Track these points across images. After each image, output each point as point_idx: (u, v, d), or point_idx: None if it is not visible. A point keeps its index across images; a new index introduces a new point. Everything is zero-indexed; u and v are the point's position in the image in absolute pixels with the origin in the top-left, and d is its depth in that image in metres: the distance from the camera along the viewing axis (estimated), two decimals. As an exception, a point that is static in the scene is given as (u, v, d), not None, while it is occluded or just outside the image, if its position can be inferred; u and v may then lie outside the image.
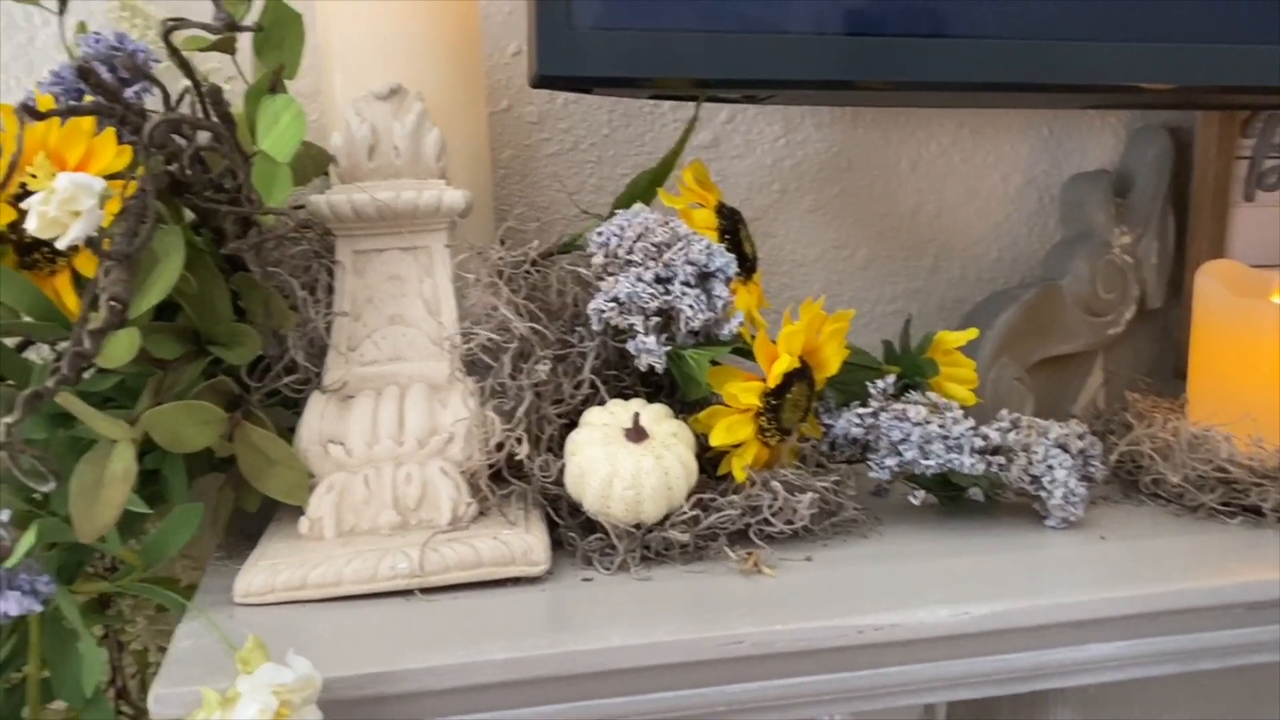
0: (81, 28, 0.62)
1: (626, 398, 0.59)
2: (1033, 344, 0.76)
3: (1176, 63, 0.67)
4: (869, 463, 0.60)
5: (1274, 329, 0.61)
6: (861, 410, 0.60)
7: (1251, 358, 0.62)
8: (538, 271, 0.62)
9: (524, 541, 0.51)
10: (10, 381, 0.52)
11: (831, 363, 0.60)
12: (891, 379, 0.62)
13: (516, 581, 0.51)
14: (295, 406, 0.59)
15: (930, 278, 0.84)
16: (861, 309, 0.83)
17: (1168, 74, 0.67)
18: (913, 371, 0.65)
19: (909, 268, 0.83)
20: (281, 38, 0.51)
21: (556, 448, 0.57)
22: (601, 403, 0.57)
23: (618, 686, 0.44)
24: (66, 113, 0.44)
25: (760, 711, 0.47)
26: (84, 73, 0.42)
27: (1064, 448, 0.60)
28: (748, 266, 0.63)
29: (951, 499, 0.63)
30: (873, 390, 0.61)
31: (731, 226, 0.62)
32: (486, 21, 0.73)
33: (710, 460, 0.58)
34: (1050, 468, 0.58)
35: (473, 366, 0.58)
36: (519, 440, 0.54)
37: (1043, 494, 0.58)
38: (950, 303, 0.84)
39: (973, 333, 0.65)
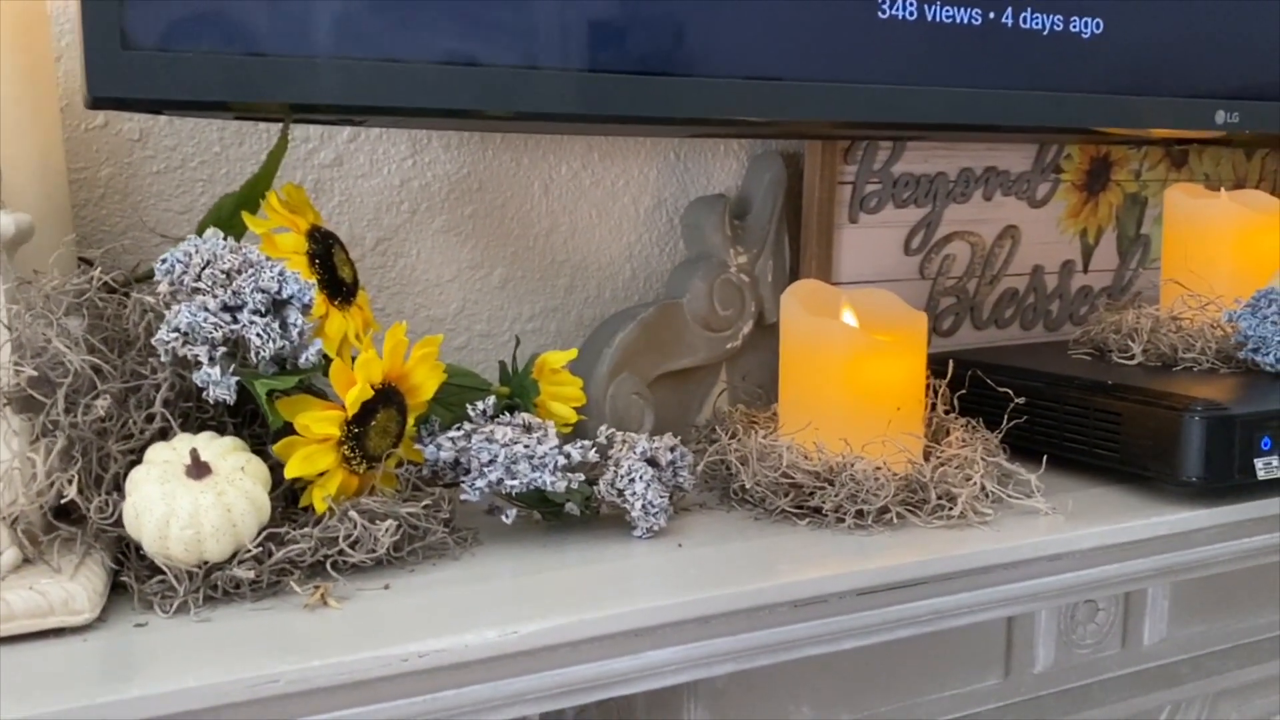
0: None
1: (215, 431, 0.57)
2: (653, 360, 0.80)
3: (782, 99, 0.72)
4: (462, 485, 0.60)
5: (838, 344, 0.67)
6: (453, 434, 0.60)
7: (822, 371, 0.67)
8: (117, 299, 0.59)
9: (64, 590, 0.48)
10: None
11: (425, 387, 0.61)
12: (491, 400, 0.63)
13: (60, 633, 0.48)
14: None
15: (567, 296, 0.86)
16: (500, 328, 0.84)
17: (773, 110, 0.73)
18: (519, 393, 0.67)
19: (546, 287, 0.85)
20: None
21: (123, 487, 0.54)
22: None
23: (142, 738, 0.42)
24: None
25: (313, 748, 0.46)
26: None
27: (652, 461, 0.63)
28: (345, 291, 0.63)
29: (555, 515, 0.64)
30: (472, 412, 0.62)
31: (324, 251, 0.62)
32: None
33: (302, 490, 0.57)
34: (631, 481, 0.61)
35: (30, 403, 0.55)
36: (69, 481, 0.51)
37: (626, 506, 0.61)
38: (588, 320, 0.87)
39: (572, 353, 0.67)
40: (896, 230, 0.91)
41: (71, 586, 0.49)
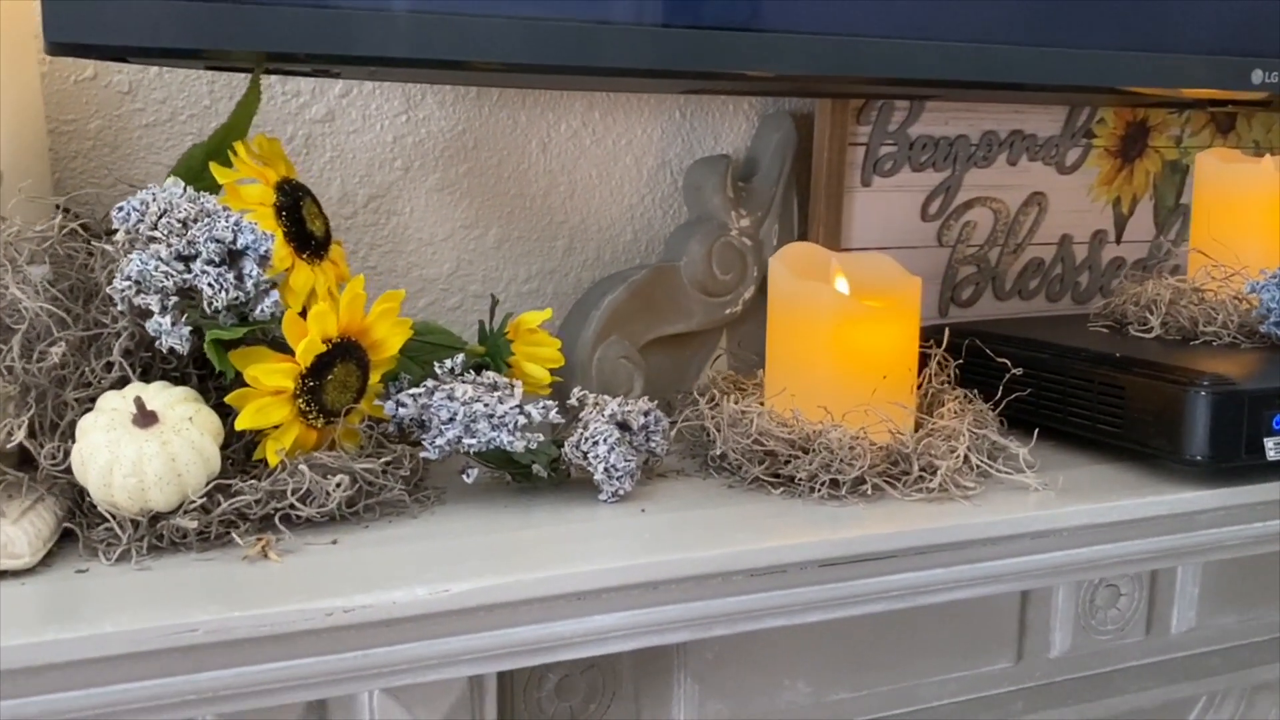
0: None
1: (179, 382, 0.57)
2: (645, 324, 0.78)
3: (790, 52, 0.70)
4: (423, 442, 0.59)
5: (823, 309, 0.64)
6: (415, 391, 0.59)
7: (807, 336, 0.65)
8: (85, 248, 0.59)
9: (4, 534, 0.48)
10: None
11: (389, 343, 0.60)
12: (460, 359, 0.62)
13: (2, 576, 0.49)
14: None
15: (565, 259, 0.85)
16: (495, 289, 0.83)
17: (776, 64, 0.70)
18: (492, 353, 0.65)
19: (543, 248, 0.84)
20: None
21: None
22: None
23: (57, 683, 0.42)
24: None
25: (241, 699, 0.46)
26: None
27: (623, 425, 0.61)
28: (315, 245, 0.62)
29: (525, 477, 0.63)
30: (439, 370, 0.61)
31: (292, 203, 0.61)
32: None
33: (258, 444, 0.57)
34: (595, 444, 0.59)
35: (-10, 350, 0.55)
36: (19, 426, 0.52)
37: (591, 469, 0.59)
38: (586, 283, 0.85)
39: (547, 313, 0.66)
40: (913, 195, 0.88)
41: (12, 531, 0.49)
